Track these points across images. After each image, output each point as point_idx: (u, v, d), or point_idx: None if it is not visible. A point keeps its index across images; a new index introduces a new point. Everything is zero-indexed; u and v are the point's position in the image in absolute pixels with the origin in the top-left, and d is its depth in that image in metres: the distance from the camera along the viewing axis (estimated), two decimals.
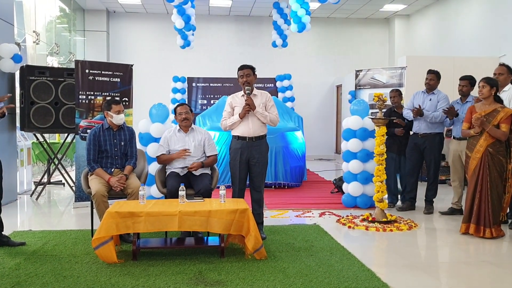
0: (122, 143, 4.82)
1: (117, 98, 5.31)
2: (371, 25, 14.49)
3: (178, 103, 5.06)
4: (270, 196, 6.93)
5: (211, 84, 12.58)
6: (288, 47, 12.24)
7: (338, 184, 7.39)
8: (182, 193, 4.16)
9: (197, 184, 4.67)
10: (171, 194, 4.54)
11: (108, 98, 6.61)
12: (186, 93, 12.52)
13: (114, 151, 4.78)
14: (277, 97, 12.34)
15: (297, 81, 13.25)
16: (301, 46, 14.00)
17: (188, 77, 12.46)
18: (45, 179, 7.63)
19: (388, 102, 5.97)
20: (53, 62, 11.58)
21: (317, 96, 14.53)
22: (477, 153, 4.87)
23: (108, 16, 13.68)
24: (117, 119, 4.74)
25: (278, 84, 12.58)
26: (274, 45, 11.58)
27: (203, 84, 12.54)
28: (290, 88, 12.54)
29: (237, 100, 4.77)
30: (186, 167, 4.77)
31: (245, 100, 4.61)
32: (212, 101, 12.42)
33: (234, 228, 3.91)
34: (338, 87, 14.16)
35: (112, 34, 13.82)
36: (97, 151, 4.74)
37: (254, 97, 4.70)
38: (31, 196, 7.27)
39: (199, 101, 12.63)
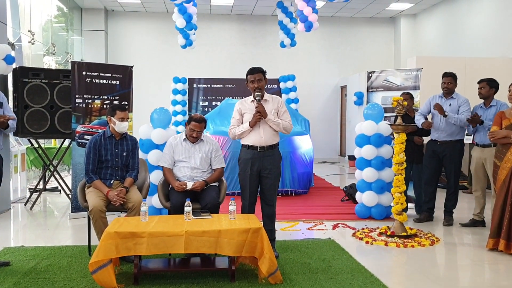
0: (124, 153, 4.43)
1: (123, 103, 4.88)
2: (376, 24, 14.11)
3: (195, 117, 4.46)
4: (278, 205, 6.38)
5: (212, 85, 12.20)
6: (291, 46, 11.86)
7: (349, 192, 7.02)
8: (188, 209, 3.78)
9: (203, 198, 4.28)
10: (175, 209, 4.16)
11: (107, 101, 6.25)
12: (187, 94, 12.13)
13: (115, 161, 4.39)
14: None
15: (300, 81, 12.87)
16: (305, 46, 13.60)
17: (189, 78, 12.08)
18: (40, 186, 7.25)
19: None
20: (50, 62, 11.20)
21: (321, 97, 14.16)
22: (507, 162, 4.50)
23: (107, 15, 13.28)
24: (120, 126, 4.34)
25: (282, 85, 12.21)
26: (283, 45, 11.17)
27: (204, 85, 12.17)
28: (294, 89, 12.17)
29: (246, 106, 4.38)
30: (192, 181, 4.38)
31: (256, 107, 4.22)
32: (213, 103, 12.04)
33: (246, 250, 3.53)
34: (343, 88, 13.80)
35: (110, 33, 13.42)
36: (96, 161, 4.34)
37: (265, 103, 4.32)
38: (25, 204, 6.88)
39: (200, 103, 12.25)
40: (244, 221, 3.72)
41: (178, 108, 11.99)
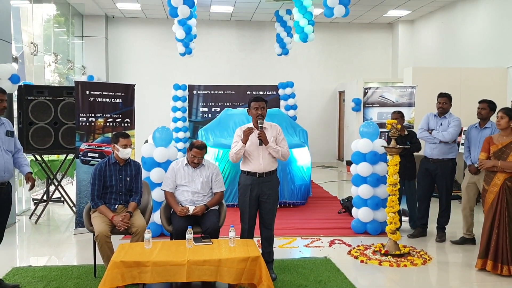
0: (128, 179, 4.61)
1: (126, 132, 5.04)
2: (374, 30, 14.26)
3: (197, 144, 4.65)
4: (276, 218, 6.69)
5: (212, 92, 12.33)
6: (290, 52, 12.04)
7: (346, 204, 7.21)
8: (189, 236, 3.97)
9: (204, 222, 4.47)
10: (177, 234, 4.35)
11: (110, 119, 6.41)
12: (187, 101, 12.29)
13: (119, 186, 4.57)
14: (279, 105, 12.13)
15: (299, 87, 13.01)
16: (303, 52, 13.77)
17: (189, 85, 12.21)
18: (44, 198, 7.43)
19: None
20: (53, 72, 11.33)
21: (320, 102, 14.33)
22: (494, 187, 4.69)
23: (107, 21, 13.41)
24: (123, 153, 4.53)
25: (281, 91, 12.35)
26: (279, 54, 11.46)
27: (204, 92, 12.29)
28: (292, 96, 12.31)
29: None
30: (193, 205, 4.56)
31: (258, 135, 4.39)
32: (213, 109, 12.18)
33: (245, 277, 3.72)
34: (341, 93, 13.97)
35: (111, 39, 13.56)
36: (101, 186, 4.53)
37: (265, 130, 4.49)
38: (30, 218, 7.07)
39: (200, 109, 12.38)
40: (243, 249, 3.90)
41: (178, 114, 12.14)
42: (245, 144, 4.42)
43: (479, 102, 5.62)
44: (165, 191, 4.71)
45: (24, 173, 4.35)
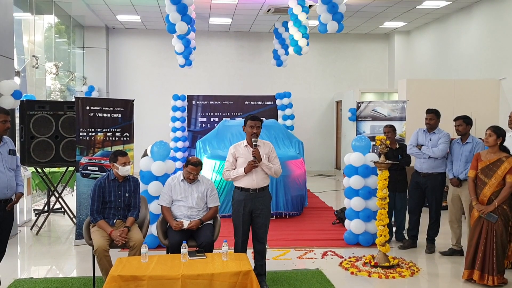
0: (127, 194, 4.80)
1: (123, 150, 5.25)
2: (371, 40, 14.48)
3: (192, 161, 4.82)
4: (271, 229, 6.77)
5: (211, 102, 12.53)
6: (287, 63, 12.26)
7: (340, 215, 7.38)
8: (184, 251, 4.14)
9: (198, 236, 4.65)
10: (173, 248, 4.52)
11: (109, 134, 6.60)
12: (186, 111, 12.49)
13: (118, 202, 4.76)
14: (277, 114, 12.32)
15: (297, 96, 13.25)
16: (301, 62, 13.97)
17: (188, 95, 12.42)
18: (45, 210, 7.61)
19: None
20: (54, 80, 11.52)
21: (317, 112, 14.53)
22: (481, 202, 4.87)
23: (108, 32, 13.64)
24: (123, 171, 4.72)
25: (278, 101, 12.55)
26: (277, 65, 11.88)
27: (203, 102, 12.49)
28: (290, 106, 12.51)
29: (240, 151, 4.73)
30: (189, 219, 4.74)
31: (252, 152, 4.58)
32: (211, 119, 12.38)
33: None
34: (338, 103, 14.16)
35: (111, 50, 13.78)
36: (101, 202, 4.72)
37: (258, 148, 4.67)
38: (31, 229, 7.24)
39: (199, 119, 12.58)
40: (235, 263, 4.08)
41: (178, 124, 12.34)
42: (246, 173, 4.59)
43: (454, 120, 5.79)
44: (161, 206, 4.89)
45: (16, 192, 4.53)
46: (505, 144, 4.94)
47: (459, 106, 9.07)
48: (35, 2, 9.53)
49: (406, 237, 6.36)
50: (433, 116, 5.99)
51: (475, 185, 4.95)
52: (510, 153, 4.93)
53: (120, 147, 6.56)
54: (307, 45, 9.54)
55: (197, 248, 4.49)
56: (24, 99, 6.89)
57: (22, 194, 4.65)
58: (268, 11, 11.32)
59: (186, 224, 4.69)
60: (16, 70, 8.19)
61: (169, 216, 4.80)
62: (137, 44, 13.88)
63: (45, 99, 9.77)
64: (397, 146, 6.37)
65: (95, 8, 11.41)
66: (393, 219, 6.54)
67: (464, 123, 5.70)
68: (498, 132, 4.87)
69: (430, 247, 6.05)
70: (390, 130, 6.38)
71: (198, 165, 4.82)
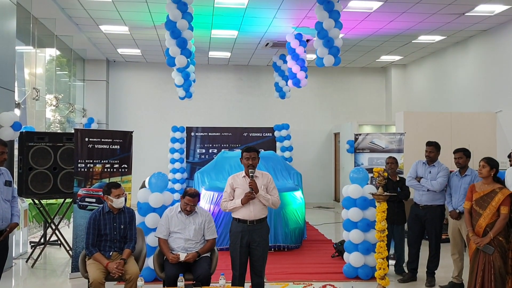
0: (122, 226, 4.77)
1: (117, 182, 5.24)
2: (368, 73, 14.68)
3: (190, 192, 4.82)
4: (270, 262, 6.72)
5: (209, 134, 12.60)
6: (287, 94, 12.41)
7: (339, 248, 7.30)
8: (180, 284, 4.09)
9: (195, 269, 4.59)
10: (169, 281, 4.47)
11: (107, 165, 6.61)
12: (185, 142, 12.54)
13: (114, 234, 4.73)
14: (275, 146, 12.37)
15: (295, 128, 13.34)
16: (299, 94, 14.10)
17: (187, 127, 12.50)
18: (41, 242, 7.53)
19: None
20: (54, 112, 11.60)
21: (315, 144, 14.58)
22: (477, 234, 4.85)
23: (108, 65, 13.82)
24: (117, 203, 4.71)
25: (276, 133, 12.63)
26: (280, 97, 12.17)
27: (201, 134, 12.56)
28: (288, 137, 12.58)
29: (238, 181, 4.73)
30: (186, 252, 4.70)
31: (249, 184, 4.58)
32: (210, 150, 12.42)
33: None
34: (336, 135, 14.23)
35: (112, 83, 13.94)
36: (96, 235, 4.69)
37: (256, 179, 4.66)
38: (26, 261, 7.15)
39: (198, 150, 12.61)
40: None
41: (176, 155, 12.37)
42: (243, 205, 4.58)
43: (454, 152, 5.82)
44: (158, 238, 4.85)
45: (11, 222, 4.50)
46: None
47: (457, 139, 9.12)
48: (37, 35, 9.70)
49: (406, 270, 6.29)
50: (433, 149, 6.01)
51: (471, 217, 4.94)
52: (504, 184, 4.94)
53: (118, 179, 6.55)
54: (306, 77, 9.67)
55: (194, 282, 4.43)
56: (24, 131, 6.92)
57: (17, 224, 4.61)
58: (266, 45, 11.52)
59: (182, 256, 4.64)
60: (17, 102, 8.26)
61: (166, 249, 4.76)
62: (137, 76, 14.05)
63: (44, 131, 9.81)
64: (397, 178, 6.38)
65: (96, 42, 11.60)
66: (391, 251, 6.48)
67: (464, 155, 5.73)
68: (491, 164, 4.90)
69: (430, 281, 5.98)
70: (394, 161, 6.41)
71: (195, 196, 4.81)
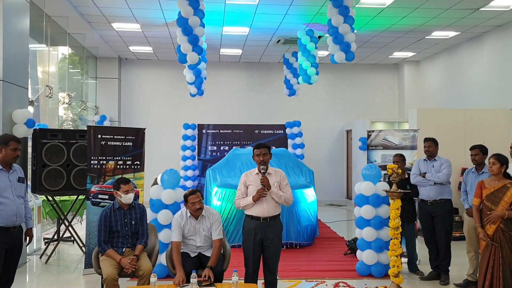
0: (133, 222, 4.78)
1: (126, 178, 5.15)
2: (380, 70, 14.56)
3: (189, 191, 4.73)
4: (282, 260, 6.67)
5: (221, 131, 12.60)
6: (299, 91, 12.35)
7: (351, 246, 7.26)
8: (194, 280, 4.08)
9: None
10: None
11: (120, 162, 6.63)
12: (196, 139, 12.55)
13: (125, 230, 4.73)
14: (287, 143, 12.33)
15: (306, 125, 13.28)
16: (311, 91, 14.05)
17: (198, 124, 12.51)
18: (55, 239, 7.58)
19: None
20: (66, 110, 11.69)
21: (327, 141, 14.51)
22: (488, 229, 4.77)
23: (120, 63, 13.88)
24: (126, 198, 4.71)
25: (288, 130, 12.58)
26: (288, 95, 12.02)
27: (213, 131, 12.57)
28: (300, 135, 12.53)
29: (251, 178, 4.71)
30: (199, 252, 4.68)
31: (261, 180, 4.55)
32: (221, 147, 12.42)
33: None
34: (348, 132, 14.14)
35: (123, 80, 13.99)
36: (108, 232, 4.70)
37: (269, 176, 4.64)
38: (40, 257, 7.21)
39: (209, 148, 12.62)
40: None
41: (188, 153, 12.39)
42: (255, 202, 4.55)
43: (471, 149, 5.76)
44: (172, 241, 4.67)
45: (27, 227, 4.58)
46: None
47: (471, 135, 9.00)
48: (50, 34, 9.75)
49: (419, 268, 6.24)
50: (431, 144, 6.07)
51: (479, 213, 4.87)
52: None
53: (130, 175, 6.57)
54: (317, 74, 9.60)
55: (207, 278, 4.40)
56: (37, 128, 6.97)
57: (32, 228, 4.67)
58: (277, 42, 11.48)
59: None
60: (30, 100, 8.32)
61: (177, 261, 4.52)
62: (149, 74, 14.09)
63: (57, 128, 9.87)
64: (406, 176, 6.32)
65: (109, 40, 11.65)
66: (403, 250, 6.42)
67: (480, 152, 5.66)
68: (501, 160, 4.83)
69: (445, 279, 5.91)
70: (400, 160, 6.36)
71: (196, 192, 4.67)
